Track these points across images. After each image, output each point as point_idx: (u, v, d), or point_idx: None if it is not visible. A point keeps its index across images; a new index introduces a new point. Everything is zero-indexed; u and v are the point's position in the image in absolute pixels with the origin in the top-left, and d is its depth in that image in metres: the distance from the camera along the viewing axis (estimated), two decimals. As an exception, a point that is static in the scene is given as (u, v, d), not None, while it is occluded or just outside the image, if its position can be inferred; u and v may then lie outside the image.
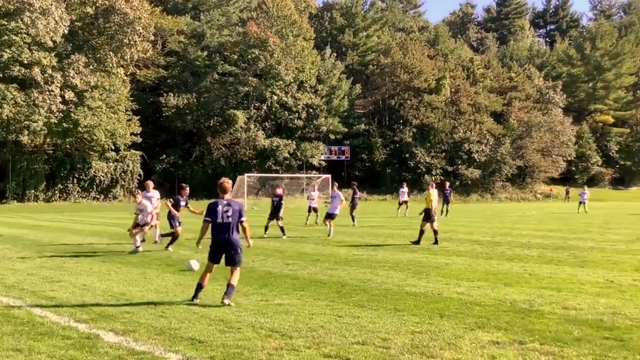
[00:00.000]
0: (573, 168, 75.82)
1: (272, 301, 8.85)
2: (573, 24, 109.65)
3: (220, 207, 8.56)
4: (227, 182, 8.95)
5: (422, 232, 16.93)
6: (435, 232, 16.96)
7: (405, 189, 32.80)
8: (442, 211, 29.61)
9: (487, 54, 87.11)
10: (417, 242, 16.80)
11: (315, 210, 25.71)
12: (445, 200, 32.09)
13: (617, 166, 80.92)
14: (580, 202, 38.35)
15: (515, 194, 68.01)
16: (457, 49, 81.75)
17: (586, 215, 33.64)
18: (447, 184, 34.46)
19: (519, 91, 74.38)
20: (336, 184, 26.96)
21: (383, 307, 8.47)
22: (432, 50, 74.72)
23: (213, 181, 40.28)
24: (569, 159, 73.67)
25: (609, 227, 24.42)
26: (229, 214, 8.54)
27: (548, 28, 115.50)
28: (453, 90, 69.16)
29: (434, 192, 17.50)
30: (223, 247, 8.59)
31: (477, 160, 66.24)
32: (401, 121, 66.89)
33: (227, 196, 8.80)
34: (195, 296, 8.61)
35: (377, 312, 8.18)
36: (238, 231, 8.68)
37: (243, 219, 8.65)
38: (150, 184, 18.46)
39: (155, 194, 17.91)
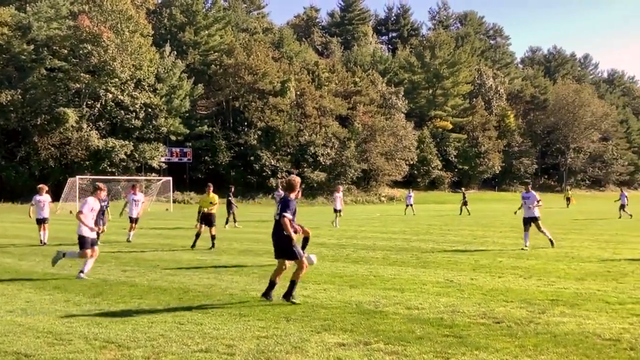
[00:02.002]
0: (415, 171, 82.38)
1: (108, 310, 8.89)
2: (414, 33, 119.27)
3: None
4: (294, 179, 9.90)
5: (198, 235, 18.38)
6: (213, 237, 18.15)
7: (339, 194, 29.98)
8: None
9: (331, 58, 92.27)
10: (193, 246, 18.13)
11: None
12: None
13: (456, 170, 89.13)
14: (407, 205, 42.26)
15: (360, 196, 72.79)
16: (302, 52, 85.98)
17: (426, 217, 36.55)
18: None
19: (363, 96, 79.41)
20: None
21: (227, 313, 8.75)
22: (277, 52, 78.02)
23: (40, 183, 39.50)
24: (412, 162, 79.94)
25: (449, 229, 26.43)
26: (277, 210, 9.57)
27: (390, 35, 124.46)
28: (298, 93, 72.62)
29: (215, 196, 18.92)
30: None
31: (323, 163, 70.08)
32: (246, 123, 69.16)
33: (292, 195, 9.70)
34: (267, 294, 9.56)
35: (222, 317, 8.44)
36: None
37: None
38: (44, 187, 19.93)
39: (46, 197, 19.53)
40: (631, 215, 34.39)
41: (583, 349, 6.75)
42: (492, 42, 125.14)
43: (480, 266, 13.92)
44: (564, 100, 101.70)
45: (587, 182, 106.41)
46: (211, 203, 18.83)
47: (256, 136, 67.76)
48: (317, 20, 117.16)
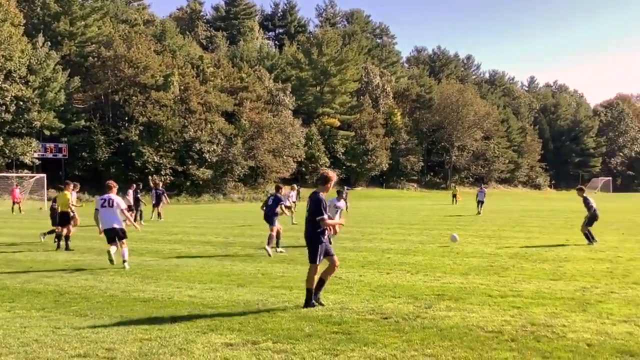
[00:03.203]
0: (303, 169, 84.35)
1: (-24, 315, 8.66)
2: (301, 29, 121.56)
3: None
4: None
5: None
6: (67, 238, 18.36)
7: (292, 193, 31.62)
8: None
9: (217, 52, 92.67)
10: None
11: None
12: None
13: (344, 167, 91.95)
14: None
15: (247, 194, 73.85)
16: (186, 46, 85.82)
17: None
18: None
19: (250, 92, 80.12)
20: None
21: (108, 315, 8.73)
22: (159, 45, 77.44)
23: None
24: (299, 159, 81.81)
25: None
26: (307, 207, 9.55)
27: (277, 31, 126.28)
28: (182, 88, 72.51)
29: (68, 194, 18.87)
30: None
31: (209, 160, 70.42)
32: (127, 118, 68.37)
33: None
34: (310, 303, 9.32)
35: (101, 320, 8.41)
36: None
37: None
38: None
39: None
40: (479, 213, 36.35)
41: (467, 341, 7.19)
42: (378, 40, 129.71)
43: (369, 263, 14.52)
44: (448, 100, 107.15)
45: (471, 179, 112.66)
46: (68, 202, 18.70)
47: (138, 132, 67.14)
48: (202, 13, 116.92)
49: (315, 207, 9.26)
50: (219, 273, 12.99)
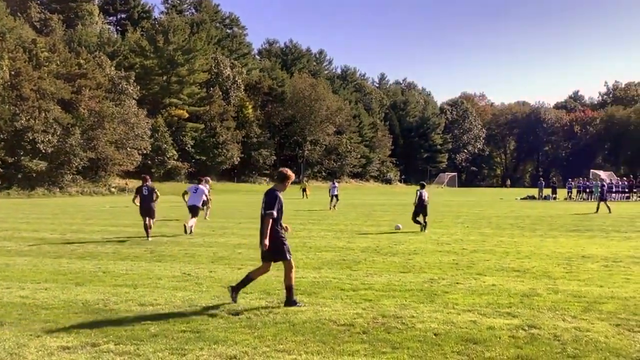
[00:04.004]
0: (149, 162, 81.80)
1: None
2: (145, 15, 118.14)
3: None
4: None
5: None
6: None
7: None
8: None
9: (52, 36, 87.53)
10: None
11: None
12: None
13: (193, 160, 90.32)
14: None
15: (87, 187, 70.40)
16: (17, 29, 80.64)
17: (166, 209, 36.22)
18: None
19: (89, 79, 76.51)
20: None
21: None
22: (-14, 26, 72.31)
23: None
24: (145, 152, 79.38)
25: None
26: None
27: (119, 16, 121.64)
28: (13, 73, 67.92)
29: None
30: None
31: (44, 151, 66.33)
32: (-54, 104, 63.02)
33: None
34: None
35: None
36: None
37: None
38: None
39: None
40: (331, 208, 36.95)
41: (320, 335, 7.36)
42: (228, 31, 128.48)
43: (219, 258, 14.48)
44: (301, 94, 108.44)
45: (324, 173, 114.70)
46: None
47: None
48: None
49: (271, 203, 9.11)
50: (55, 272, 12.41)
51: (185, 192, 22.26)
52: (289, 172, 9.56)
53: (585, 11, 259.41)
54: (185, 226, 20.37)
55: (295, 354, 6.64)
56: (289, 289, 9.13)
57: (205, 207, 25.69)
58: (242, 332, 7.53)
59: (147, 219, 19.08)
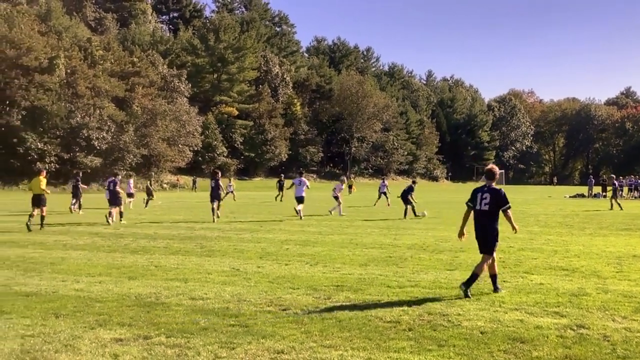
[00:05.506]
0: (200, 158, 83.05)
1: None
2: (196, 14, 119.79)
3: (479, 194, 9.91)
4: (494, 168, 10.21)
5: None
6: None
7: (344, 185, 32.22)
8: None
9: (106, 35, 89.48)
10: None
11: None
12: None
13: (242, 157, 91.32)
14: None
15: (141, 183, 71.74)
16: (73, 27, 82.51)
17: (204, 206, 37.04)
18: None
19: (142, 77, 77.80)
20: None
21: None
22: (44, 26, 74.02)
23: None
24: (196, 149, 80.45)
25: (235, 216, 27.16)
26: (487, 201, 9.88)
27: (171, 15, 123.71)
28: (69, 71, 69.61)
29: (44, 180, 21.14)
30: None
31: (98, 147, 67.98)
32: (7, 102, 64.91)
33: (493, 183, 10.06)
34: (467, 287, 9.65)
35: None
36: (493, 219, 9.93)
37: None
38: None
39: None
40: (375, 205, 37.03)
41: (366, 332, 7.36)
42: (277, 29, 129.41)
43: (267, 254, 14.51)
44: (348, 91, 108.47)
45: (370, 170, 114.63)
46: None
47: (20, 117, 63.91)
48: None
49: (503, 200, 9.89)
50: (109, 265, 12.59)
51: (292, 185, 27.93)
52: (495, 168, 10.26)
53: (638, 5, 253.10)
54: (297, 211, 26.09)
55: (341, 349, 6.68)
56: (474, 275, 9.78)
57: (224, 196, 28.78)
58: (289, 327, 7.56)
59: (216, 202, 24.49)
